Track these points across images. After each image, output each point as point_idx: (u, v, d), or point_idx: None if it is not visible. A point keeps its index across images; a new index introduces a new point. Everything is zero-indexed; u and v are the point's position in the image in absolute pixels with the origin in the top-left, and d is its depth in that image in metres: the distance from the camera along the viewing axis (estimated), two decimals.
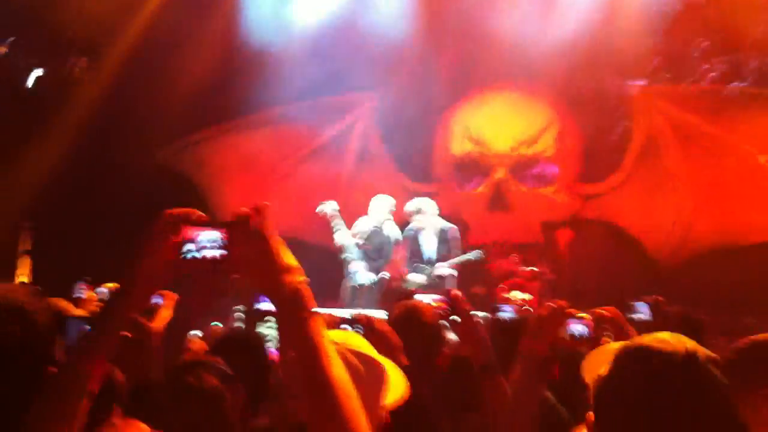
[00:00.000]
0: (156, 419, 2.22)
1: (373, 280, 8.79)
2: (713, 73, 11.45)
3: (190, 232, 1.37)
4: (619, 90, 11.92)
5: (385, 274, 8.82)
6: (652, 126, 11.72)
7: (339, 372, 1.30)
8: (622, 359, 1.35)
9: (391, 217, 8.94)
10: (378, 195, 9.08)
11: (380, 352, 2.07)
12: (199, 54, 11.60)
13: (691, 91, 11.61)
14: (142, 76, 11.47)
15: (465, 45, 12.11)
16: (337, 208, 9.08)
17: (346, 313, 7.52)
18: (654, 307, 4.28)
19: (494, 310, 4.29)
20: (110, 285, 4.34)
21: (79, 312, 4.05)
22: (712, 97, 11.45)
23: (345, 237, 8.86)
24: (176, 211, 1.41)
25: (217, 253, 1.36)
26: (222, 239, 1.36)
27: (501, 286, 10.65)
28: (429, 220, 8.75)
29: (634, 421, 1.28)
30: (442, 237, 8.75)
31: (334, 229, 8.91)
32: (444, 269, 8.60)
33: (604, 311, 2.63)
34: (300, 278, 1.36)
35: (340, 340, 1.79)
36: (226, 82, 11.71)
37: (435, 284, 8.54)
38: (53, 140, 11.16)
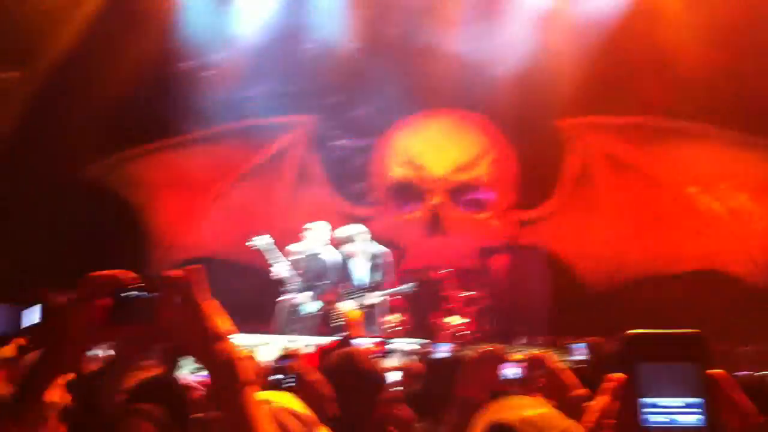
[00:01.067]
0: None
1: (318, 307, 8.71)
2: (642, 107, 11.78)
3: (119, 294, 1.31)
4: (554, 119, 12.16)
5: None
6: (585, 155, 12.00)
7: None
8: None
9: (329, 242, 8.87)
10: (315, 222, 8.99)
11: (310, 401, 2.01)
12: (134, 68, 11.37)
13: (622, 122, 11.93)
14: (74, 89, 11.15)
15: (405, 70, 12.18)
16: (271, 241, 8.95)
17: (280, 343, 7.41)
18: (592, 348, 4.35)
19: (428, 351, 4.29)
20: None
21: None
22: (643, 128, 11.78)
23: (284, 269, 8.76)
24: (105, 273, 1.33)
25: (146, 317, 1.31)
26: (152, 303, 1.30)
27: (438, 311, 10.67)
28: (360, 246, 8.71)
29: None
30: (375, 262, 8.73)
31: (270, 262, 8.81)
32: (375, 298, 8.57)
33: (536, 354, 2.62)
34: (233, 346, 1.31)
35: (277, 401, 1.76)
36: (161, 99, 11.46)
37: (366, 312, 8.52)
38: None
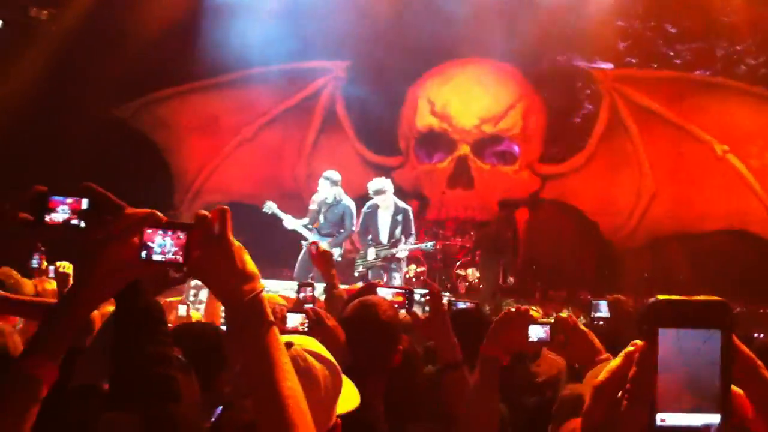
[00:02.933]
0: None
1: (338, 254, 8.78)
2: (678, 60, 11.54)
3: (150, 233, 1.33)
4: (586, 72, 11.96)
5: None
6: (616, 110, 11.80)
7: (293, 386, 1.27)
8: None
9: (341, 189, 8.91)
10: (329, 171, 9.00)
11: (327, 347, 2.02)
12: (166, 9, 11.34)
13: (655, 76, 11.70)
14: (105, 30, 11.17)
15: (436, 18, 12.00)
16: (275, 205, 9.06)
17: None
18: (612, 306, 4.40)
19: (449, 304, 4.32)
20: (63, 264, 4.09)
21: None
22: (675, 84, 11.55)
23: (292, 223, 8.88)
24: (137, 211, 1.35)
25: (176, 256, 1.32)
26: (182, 242, 1.32)
27: (457, 263, 10.73)
28: (388, 199, 8.73)
29: None
30: (398, 216, 8.74)
31: (282, 218, 8.96)
32: (403, 252, 8.64)
33: (561, 317, 2.61)
34: (260, 287, 1.32)
35: (301, 344, 1.76)
36: (192, 41, 11.47)
37: (387, 262, 8.59)
38: (9, 90, 10.81)
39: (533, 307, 3.06)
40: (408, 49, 11.87)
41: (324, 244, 8.74)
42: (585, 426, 0.87)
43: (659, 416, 0.77)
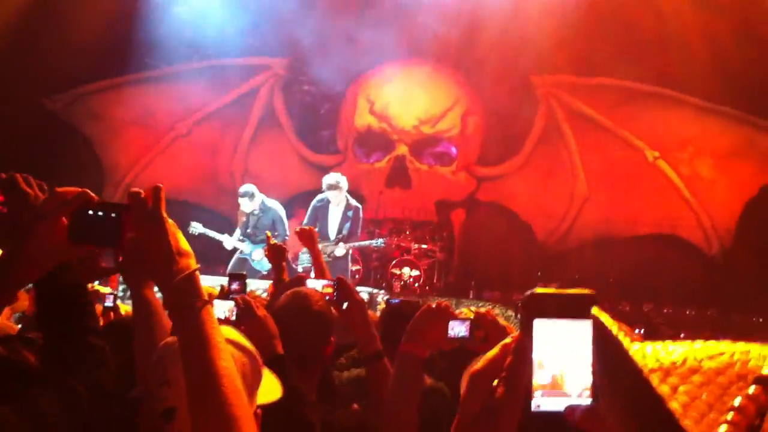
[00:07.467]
0: None
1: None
2: (613, 69, 11.77)
3: (81, 213, 1.30)
4: (524, 77, 12.11)
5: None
6: (552, 115, 11.98)
7: (228, 365, 1.24)
8: None
9: (263, 196, 8.88)
10: (239, 189, 8.98)
11: (257, 338, 1.98)
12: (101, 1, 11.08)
13: (591, 84, 11.91)
14: (39, 19, 10.84)
15: (377, 18, 12.00)
16: (201, 225, 9.01)
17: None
18: None
19: (387, 300, 4.33)
20: None
21: None
22: (610, 91, 11.79)
23: (229, 242, 8.91)
24: (68, 190, 1.32)
25: (108, 236, 1.30)
26: (114, 222, 1.30)
27: (393, 262, 10.73)
28: (341, 196, 8.69)
29: None
30: (348, 214, 8.70)
31: (216, 238, 8.95)
32: (341, 250, 8.57)
33: (480, 312, 2.59)
34: (194, 265, 1.29)
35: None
36: (127, 33, 11.22)
37: (331, 262, 8.51)
38: None
39: (471, 308, 3.04)
40: (348, 48, 11.83)
41: (258, 253, 8.73)
42: (463, 413, 0.90)
43: (534, 402, 0.80)
